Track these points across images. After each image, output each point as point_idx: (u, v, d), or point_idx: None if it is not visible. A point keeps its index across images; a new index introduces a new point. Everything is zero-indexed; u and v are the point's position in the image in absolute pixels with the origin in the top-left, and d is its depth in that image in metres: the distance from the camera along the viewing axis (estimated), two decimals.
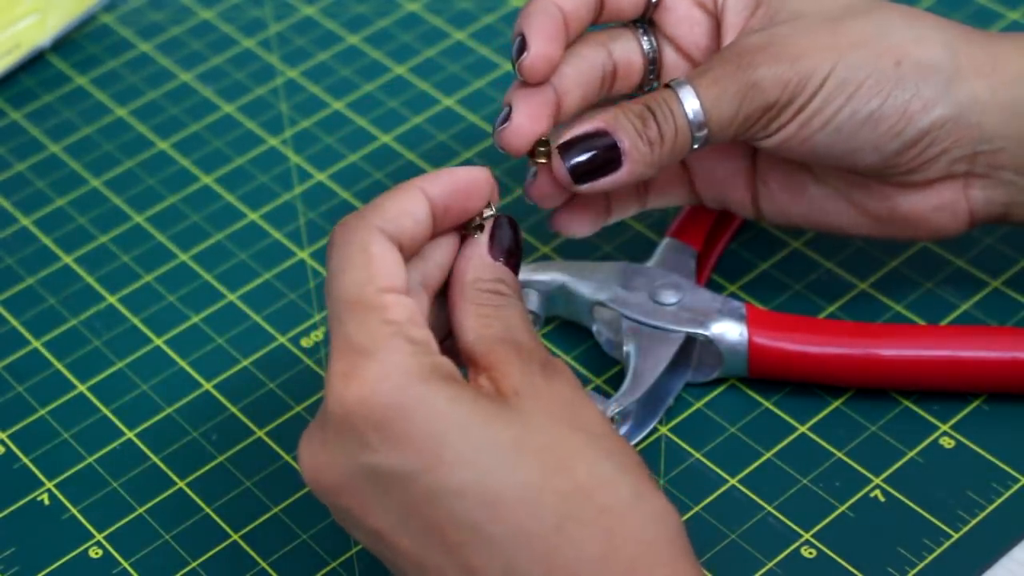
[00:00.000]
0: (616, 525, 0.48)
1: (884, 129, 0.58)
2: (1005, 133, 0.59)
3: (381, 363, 0.49)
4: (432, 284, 0.54)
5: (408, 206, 0.52)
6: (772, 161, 0.62)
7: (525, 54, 0.58)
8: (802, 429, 0.62)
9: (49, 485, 0.62)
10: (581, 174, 0.57)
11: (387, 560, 0.50)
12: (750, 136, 0.58)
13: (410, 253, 0.52)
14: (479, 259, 0.54)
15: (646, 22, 0.62)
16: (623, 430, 0.61)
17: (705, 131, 0.57)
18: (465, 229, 0.54)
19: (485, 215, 0.54)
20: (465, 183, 0.53)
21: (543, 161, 0.58)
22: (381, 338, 0.49)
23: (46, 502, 0.61)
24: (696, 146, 0.57)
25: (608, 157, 0.57)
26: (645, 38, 0.61)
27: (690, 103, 0.57)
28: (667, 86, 0.58)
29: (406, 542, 0.49)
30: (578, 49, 0.60)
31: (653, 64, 0.62)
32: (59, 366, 0.66)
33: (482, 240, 0.54)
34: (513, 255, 0.54)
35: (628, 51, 0.61)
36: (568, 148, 0.57)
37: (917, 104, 0.58)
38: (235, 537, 0.60)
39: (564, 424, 0.49)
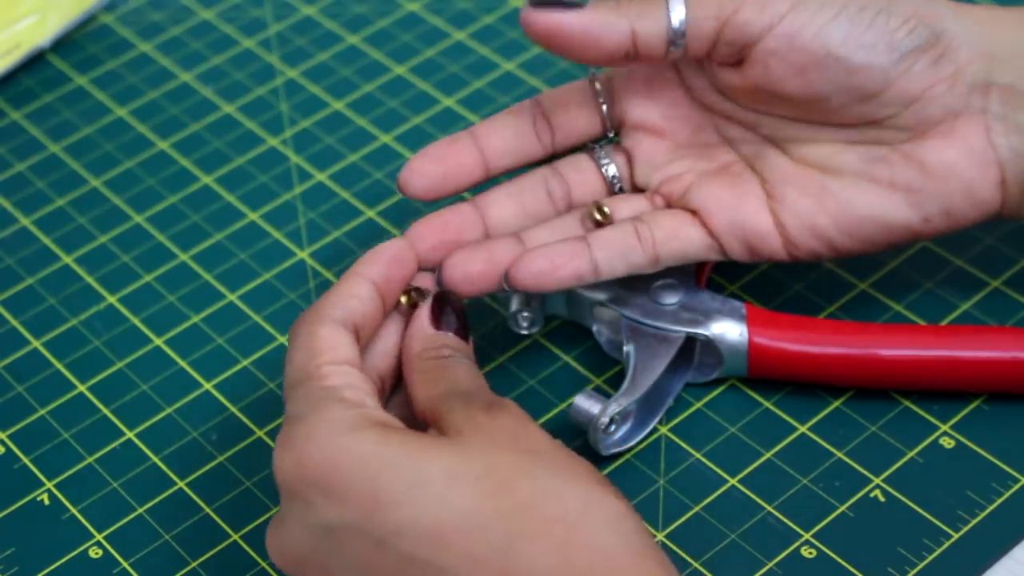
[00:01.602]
0: (567, 535, 0.47)
1: (897, 24, 0.57)
2: (1016, 70, 0.58)
3: (309, 425, 0.50)
4: (381, 371, 0.57)
5: (351, 289, 0.55)
6: (782, 172, 0.60)
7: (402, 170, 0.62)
8: (802, 429, 0.62)
9: (49, 485, 0.62)
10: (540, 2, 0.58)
11: None
12: (744, 25, 0.58)
13: (368, 332, 0.56)
14: (421, 332, 0.56)
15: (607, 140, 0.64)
16: (623, 430, 0.61)
17: (682, 27, 0.58)
18: (408, 304, 0.58)
19: (424, 293, 0.58)
20: (391, 253, 0.57)
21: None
22: (312, 403, 0.51)
23: (46, 502, 0.61)
24: (677, 31, 0.58)
25: None
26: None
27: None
28: None
29: None
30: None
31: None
32: (59, 366, 0.66)
33: (423, 315, 0.57)
34: (458, 325, 0.57)
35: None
36: None
37: (929, 10, 0.58)
38: (235, 537, 0.60)
39: (504, 448, 0.49)
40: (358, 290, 0.55)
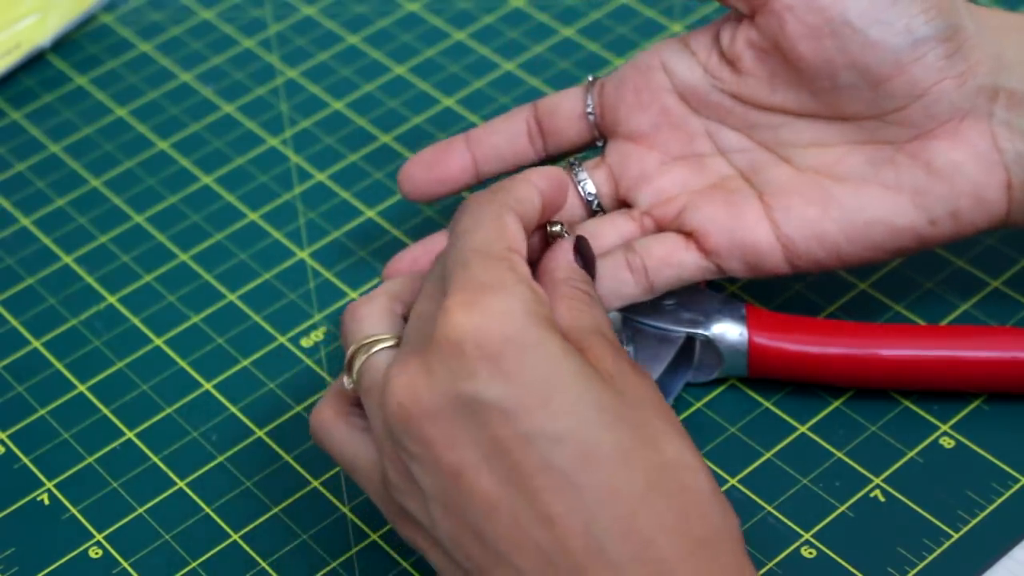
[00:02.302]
0: (693, 505, 0.48)
1: (917, 10, 0.57)
2: (1022, 75, 0.58)
3: (505, 299, 0.49)
4: None
5: (530, 194, 0.54)
6: (783, 182, 0.60)
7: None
8: (802, 429, 0.62)
9: (49, 485, 0.62)
10: None
11: (451, 508, 0.49)
12: None
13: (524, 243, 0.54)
14: (568, 262, 0.55)
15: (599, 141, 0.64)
16: None
17: None
18: (548, 233, 0.56)
19: (562, 229, 0.56)
20: (558, 181, 0.55)
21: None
22: (507, 280, 0.50)
23: (46, 502, 0.61)
24: None
25: None
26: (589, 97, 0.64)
27: None
28: None
29: (486, 480, 0.49)
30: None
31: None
32: (59, 366, 0.66)
33: (568, 247, 0.55)
34: (590, 271, 0.56)
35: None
36: None
37: (949, 5, 0.58)
38: (235, 537, 0.60)
39: (654, 409, 0.50)
40: (535, 197, 0.54)
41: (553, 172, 0.55)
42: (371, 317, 0.54)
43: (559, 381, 0.49)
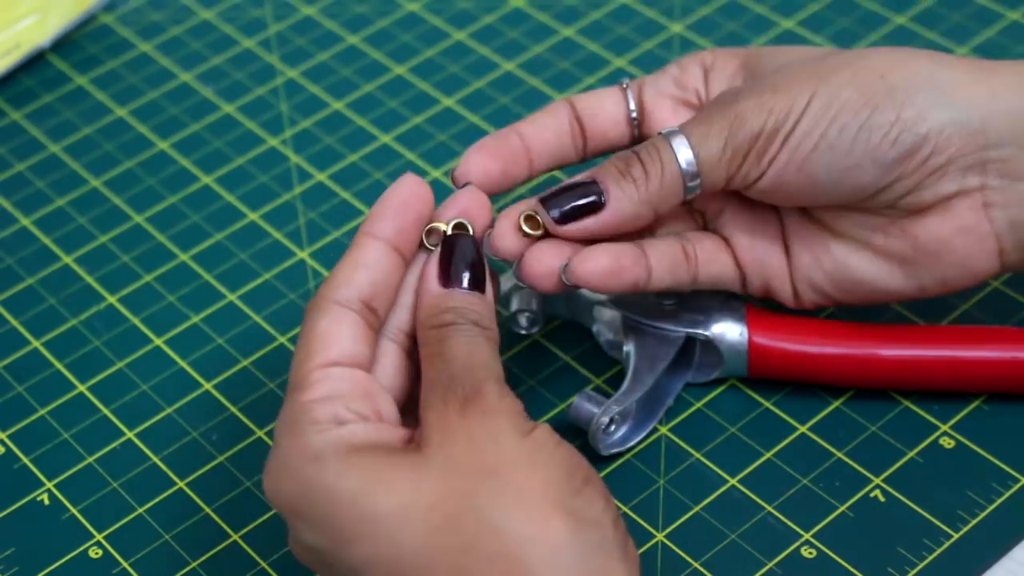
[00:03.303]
0: (507, 570, 0.48)
1: (879, 139, 0.56)
2: (1012, 139, 0.57)
3: (282, 451, 0.51)
4: (409, 329, 0.55)
5: (356, 258, 0.53)
6: (792, 221, 0.60)
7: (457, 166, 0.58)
8: (802, 429, 0.62)
9: (49, 485, 0.62)
10: (564, 218, 0.57)
11: None
12: (744, 175, 0.57)
13: (385, 300, 0.54)
14: (425, 296, 0.54)
15: (635, 140, 0.62)
16: (623, 430, 0.61)
17: (695, 168, 0.57)
18: (429, 246, 0.55)
19: (434, 234, 0.55)
20: (399, 200, 0.54)
21: (533, 233, 0.57)
22: (287, 426, 0.51)
23: (46, 502, 0.61)
24: (693, 186, 0.57)
25: (591, 200, 0.57)
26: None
27: (678, 143, 0.57)
28: (658, 134, 0.58)
29: None
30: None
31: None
32: (59, 366, 0.66)
33: (431, 271, 0.54)
34: (471, 274, 0.54)
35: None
36: (549, 198, 0.57)
37: (910, 111, 0.56)
38: (235, 537, 0.60)
39: (461, 472, 0.49)
40: (366, 256, 0.53)
41: (392, 196, 0.54)
42: None
43: (337, 512, 0.49)
